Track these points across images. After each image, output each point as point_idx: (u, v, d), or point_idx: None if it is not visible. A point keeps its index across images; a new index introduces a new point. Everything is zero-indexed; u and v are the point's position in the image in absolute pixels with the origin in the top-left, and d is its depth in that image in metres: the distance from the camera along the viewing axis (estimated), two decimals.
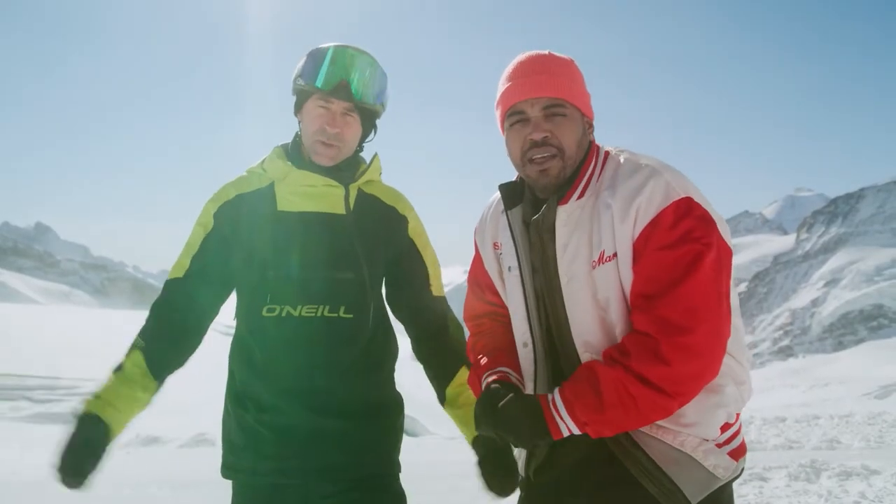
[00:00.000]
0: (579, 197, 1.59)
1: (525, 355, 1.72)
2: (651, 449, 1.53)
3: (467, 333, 1.98)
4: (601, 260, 1.54)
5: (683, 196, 1.49)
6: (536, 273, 1.70)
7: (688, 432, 1.53)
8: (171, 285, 1.96)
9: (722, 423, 1.57)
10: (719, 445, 1.56)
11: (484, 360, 1.77)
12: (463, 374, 2.00)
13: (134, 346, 1.89)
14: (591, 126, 1.70)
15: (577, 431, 1.49)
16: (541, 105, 1.60)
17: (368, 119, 1.97)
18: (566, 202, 1.59)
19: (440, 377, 2.04)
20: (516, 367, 1.74)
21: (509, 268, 1.74)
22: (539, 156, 1.60)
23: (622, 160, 1.62)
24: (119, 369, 1.84)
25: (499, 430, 1.55)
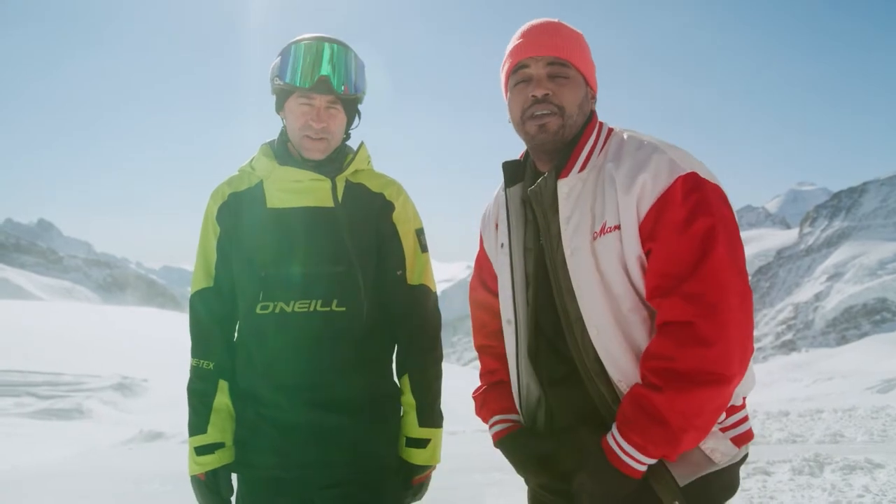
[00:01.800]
0: (581, 170, 1.60)
1: (509, 333, 1.74)
2: None
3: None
4: (602, 231, 1.53)
5: (689, 171, 1.49)
6: (528, 252, 1.71)
7: None
8: (205, 296, 1.99)
9: (728, 406, 1.53)
10: (724, 429, 1.54)
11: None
12: (406, 396, 2.01)
13: (206, 374, 1.95)
14: (593, 97, 1.73)
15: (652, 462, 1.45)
16: (545, 62, 1.63)
17: (351, 107, 1.99)
18: (566, 175, 1.60)
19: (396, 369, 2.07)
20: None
21: (501, 244, 1.75)
22: (539, 112, 1.62)
23: (626, 136, 1.63)
24: (212, 409, 1.94)
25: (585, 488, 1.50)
